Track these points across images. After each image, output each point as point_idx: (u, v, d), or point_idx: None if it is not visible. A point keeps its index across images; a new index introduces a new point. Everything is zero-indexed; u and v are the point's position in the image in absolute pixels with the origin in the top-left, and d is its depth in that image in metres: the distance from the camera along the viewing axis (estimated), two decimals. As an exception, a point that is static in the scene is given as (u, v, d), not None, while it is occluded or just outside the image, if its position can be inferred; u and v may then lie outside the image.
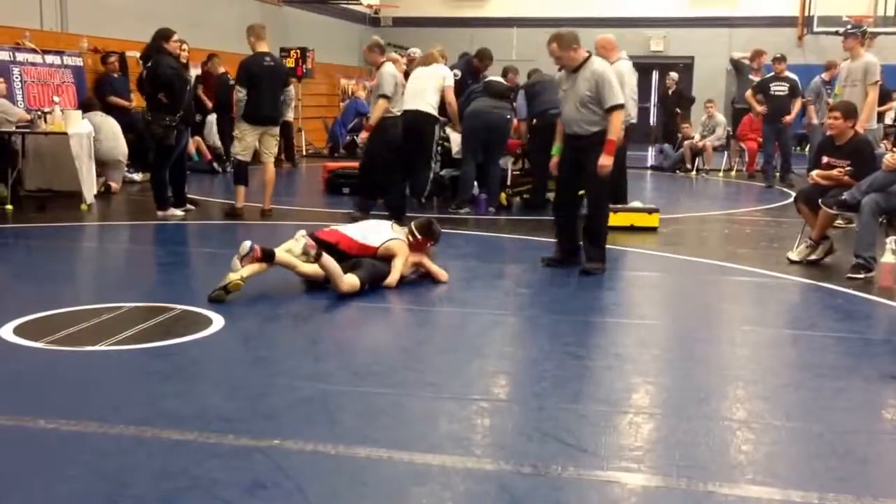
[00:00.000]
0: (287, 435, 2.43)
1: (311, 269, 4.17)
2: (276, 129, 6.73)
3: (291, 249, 4.17)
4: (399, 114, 6.59)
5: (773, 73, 9.75)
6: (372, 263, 4.28)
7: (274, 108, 6.59)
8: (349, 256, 4.30)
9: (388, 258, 4.35)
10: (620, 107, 4.64)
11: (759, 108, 9.79)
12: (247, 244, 4.08)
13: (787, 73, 9.68)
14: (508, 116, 7.08)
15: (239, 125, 6.56)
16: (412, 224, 4.51)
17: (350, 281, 4.10)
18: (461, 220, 6.71)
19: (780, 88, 9.52)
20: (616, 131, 4.64)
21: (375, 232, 4.45)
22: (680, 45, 15.36)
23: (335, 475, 2.22)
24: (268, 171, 6.72)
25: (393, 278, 4.26)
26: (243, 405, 2.69)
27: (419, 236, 4.44)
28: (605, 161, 4.62)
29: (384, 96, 6.35)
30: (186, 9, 10.38)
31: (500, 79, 7.37)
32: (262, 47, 6.55)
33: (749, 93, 10.09)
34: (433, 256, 4.69)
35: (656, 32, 15.44)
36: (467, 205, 7.08)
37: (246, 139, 6.51)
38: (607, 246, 4.93)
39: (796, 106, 9.50)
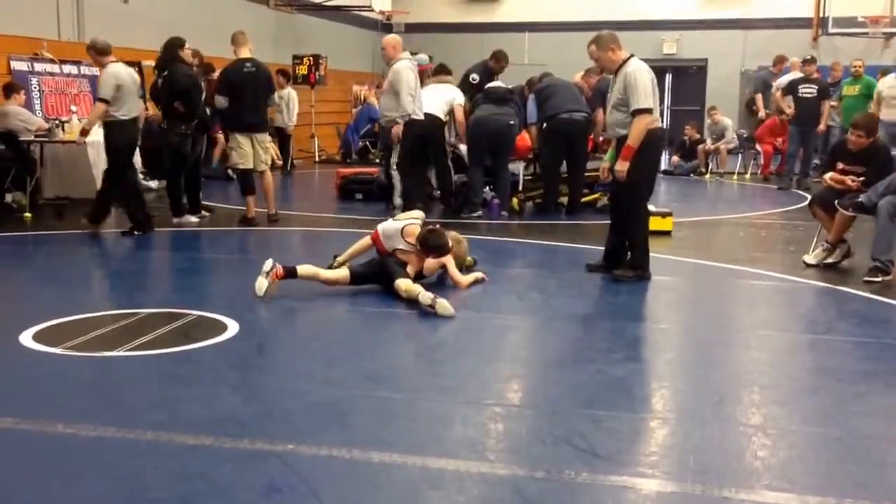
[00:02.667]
0: (302, 439, 2.44)
1: (333, 275, 4.33)
2: (264, 136, 6.70)
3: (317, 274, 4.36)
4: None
5: (801, 76, 9.67)
6: (392, 262, 4.33)
7: (257, 114, 6.54)
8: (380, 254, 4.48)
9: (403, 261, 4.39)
10: (646, 111, 4.45)
11: (788, 111, 9.74)
12: (269, 263, 4.18)
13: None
14: (511, 122, 7.09)
15: (233, 136, 6.55)
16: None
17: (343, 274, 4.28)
18: (473, 224, 6.72)
19: (808, 91, 9.44)
20: (636, 137, 4.44)
21: (393, 237, 4.46)
22: (693, 47, 15.29)
23: (349, 479, 2.23)
24: (266, 180, 6.71)
25: (401, 281, 4.24)
26: (259, 409, 2.72)
27: (418, 246, 4.37)
28: (619, 166, 4.52)
29: (104, 100, 5.91)
30: (200, 18, 10.49)
31: (497, 83, 7.37)
32: (244, 53, 6.49)
33: (778, 94, 10.02)
34: (464, 258, 4.69)
35: (669, 35, 15.38)
36: (479, 209, 7.11)
37: (242, 148, 6.48)
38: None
39: (825, 108, 9.42)
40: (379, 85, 8.70)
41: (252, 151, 6.54)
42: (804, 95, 9.42)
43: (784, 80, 10.20)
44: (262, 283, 4.11)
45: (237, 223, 6.70)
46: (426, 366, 3.26)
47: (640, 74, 4.50)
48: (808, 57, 9.80)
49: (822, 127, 9.36)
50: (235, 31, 6.69)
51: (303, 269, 4.26)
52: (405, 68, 6.53)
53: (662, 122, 4.55)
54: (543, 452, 2.41)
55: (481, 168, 7.15)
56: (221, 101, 6.40)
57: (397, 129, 6.53)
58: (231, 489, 2.15)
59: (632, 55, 4.67)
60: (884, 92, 8.72)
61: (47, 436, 2.48)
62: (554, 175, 7.45)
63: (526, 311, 4.19)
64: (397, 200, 6.70)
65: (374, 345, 3.59)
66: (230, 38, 6.61)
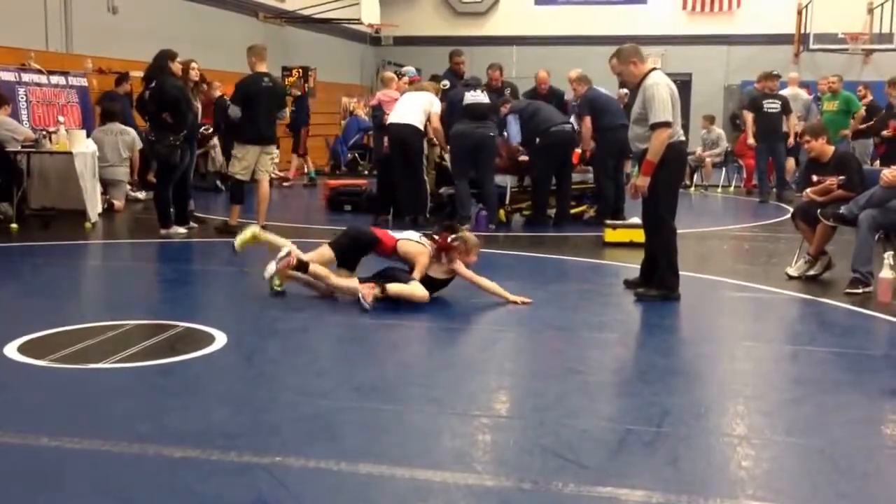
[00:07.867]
0: (289, 451, 2.44)
1: (344, 282, 4.32)
2: (273, 148, 6.78)
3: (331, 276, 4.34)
4: None
5: (766, 91, 9.82)
6: (398, 269, 4.35)
7: (271, 127, 6.66)
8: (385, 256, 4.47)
9: (406, 260, 4.39)
10: (665, 125, 4.29)
11: (752, 127, 9.88)
12: (285, 249, 4.24)
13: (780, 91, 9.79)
14: (492, 134, 7.14)
15: (240, 145, 6.61)
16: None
17: (422, 293, 4.21)
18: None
19: (772, 106, 9.59)
20: (654, 151, 4.29)
21: (406, 233, 4.57)
22: (677, 62, 15.48)
23: (337, 491, 2.23)
24: (262, 189, 6.75)
25: (391, 285, 4.29)
26: (246, 421, 2.71)
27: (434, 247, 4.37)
28: (639, 181, 4.38)
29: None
30: (189, 29, 10.51)
31: (479, 97, 7.19)
32: (262, 68, 6.64)
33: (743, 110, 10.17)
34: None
35: (654, 50, 15.55)
36: (467, 222, 7.13)
37: (247, 159, 6.56)
38: (618, 264, 4.83)
39: (791, 122, 9.56)
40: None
41: (253, 165, 6.58)
42: (768, 110, 9.56)
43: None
44: (271, 268, 4.22)
45: (216, 233, 6.68)
46: (414, 377, 3.27)
47: (658, 88, 4.32)
48: (772, 72, 9.96)
49: (790, 141, 9.45)
50: (257, 44, 6.87)
51: (315, 267, 4.31)
52: None
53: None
54: (530, 463, 2.42)
55: (466, 180, 7.19)
56: (236, 111, 6.51)
57: None
58: (219, 502, 2.15)
59: (654, 68, 4.54)
60: None
61: (32, 449, 2.46)
62: (546, 188, 7.51)
63: (513, 322, 4.21)
64: None
65: (362, 356, 3.59)
66: (248, 51, 6.72)
